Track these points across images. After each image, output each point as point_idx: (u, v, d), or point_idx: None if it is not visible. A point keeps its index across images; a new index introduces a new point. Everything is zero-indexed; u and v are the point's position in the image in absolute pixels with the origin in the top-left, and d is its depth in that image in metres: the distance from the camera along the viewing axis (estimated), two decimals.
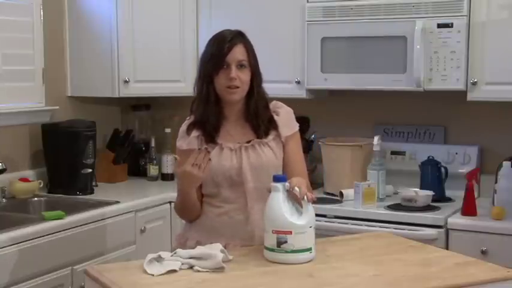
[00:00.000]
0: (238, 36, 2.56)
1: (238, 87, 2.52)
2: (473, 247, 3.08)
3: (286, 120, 2.62)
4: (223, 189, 2.53)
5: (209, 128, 2.55)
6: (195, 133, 2.57)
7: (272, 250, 2.26)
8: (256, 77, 2.58)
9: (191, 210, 2.58)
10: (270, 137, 2.58)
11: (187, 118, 2.63)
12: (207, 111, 2.56)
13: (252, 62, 2.55)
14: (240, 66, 2.52)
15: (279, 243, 2.23)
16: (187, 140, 2.57)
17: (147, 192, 3.95)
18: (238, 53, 2.53)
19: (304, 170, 2.64)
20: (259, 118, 2.57)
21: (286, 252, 2.24)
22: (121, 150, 4.18)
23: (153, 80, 4.03)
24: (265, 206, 2.30)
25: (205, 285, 2.09)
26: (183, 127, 2.61)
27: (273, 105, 2.64)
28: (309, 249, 2.27)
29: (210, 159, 2.43)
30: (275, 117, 2.60)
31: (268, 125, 2.59)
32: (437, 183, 3.61)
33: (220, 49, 2.52)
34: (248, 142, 2.56)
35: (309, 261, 2.26)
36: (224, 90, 2.53)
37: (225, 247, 2.49)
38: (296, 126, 2.66)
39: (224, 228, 2.54)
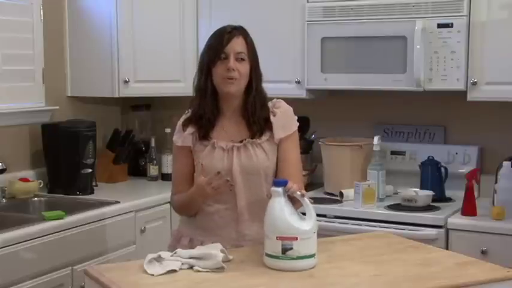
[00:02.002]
0: (239, 30, 2.56)
1: (235, 79, 2.49)
2: (473, 247, 3.08)
3: (283, 121, 2.57)
4: None
5: (204, 123, 2.54)
6: (190, 130, 2.56)
7: (276, 257, 2.18)
8: (255, 72, 2.56)
9: (193, 210, 2.59)
10: (264, 138, 2.54)
11: (186, 112, 2.63)
12: (203, 104, 2.54)
13: (251, 56, 2.54)
14: (240, 59, 2.50)
15: (284, 250, 2.16)
16: (183, 137, 2.58)
17: (147, 192, 3.95)
18: (237, 44, 2.51)
19: (298, 172, 2.59)
20: (255, 116, 2.54)
21: (292, 259, 2.17)
22: (121, 150, 4.17)
23: (153, 80, 4.03)
24: (266, 211, 2.24)
25: (205, 285, 2.08)
26: (180, 121, 2.61)
27: (272, 103, 2.61)
28: (313, 255, 2.21)
29: (231, 188, 2.45)
30: (271, 117, 2.56)
31: (264, 125, 2.55)
32: (437, 183, 3.60)
33: (220, 40, 2.51)
34: (241, 141, 2.54)
35: (312, 267, 2.20)
36: (221, 82, 2.50)
37: None
38: (293, 127, 2.60)
39: (214, 227, 2.54)
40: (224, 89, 2.52)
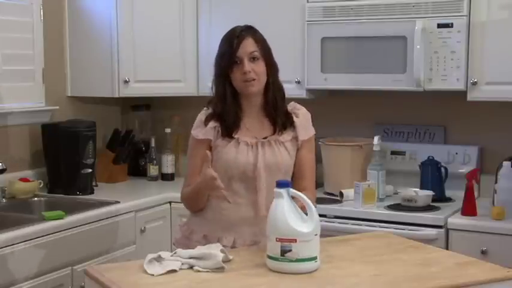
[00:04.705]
0: (247, 30, 2.59)
1: (254, 80, 2.53)
2: (473, 247, 3.08)
3: (305, 123, 2.65)
4: (234, 182, 2.54)
5: (229, 123, 2.56)
6: (212, 124, 2.57)
7: (276, 259, 2.17)
8: (271, 67, 2.59)
9: (200, 204, 2.59)
10: (287, 137, 2.59)
11: (205, 109, 2.63)
12: (225, 109, 2.56)
13: (264, 53, 2.57)
14: (253, 58, 2.53)
15: (283, 251, 2.15)
16: (204, 130, 2.58)
17: (147, 192, 3.95)
18: (247, 46, 2.54)
19: (313, 175, 2.67)
20: (277, 110, 2.59)
21: (291, 261, 2.15)
22: (121, 150, 4.18)
23: (153, 80, 4.03)
24: (269, 212, 2.24)
25: (205, 285, 2.09)
26: (201, 117, 2.61)
27: (292, 106, 2.66)
28: (314, 258, 2.19)
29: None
30: (294, 118, 2.62)
31: (285, 120, 2.60)
32: (437, 183, 3.60)
33: (230, 45, 2.55)
34: (265, 138, 2.57)
35: (314, 270, 2.18)
36: (242, 86, 2.54)
37: (233, 242, 2.49)
38: (313, 131, 2.68)
39: (233, 222, 2.54)
40: (245, 91, 2.56)
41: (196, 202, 2.60)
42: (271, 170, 2.53)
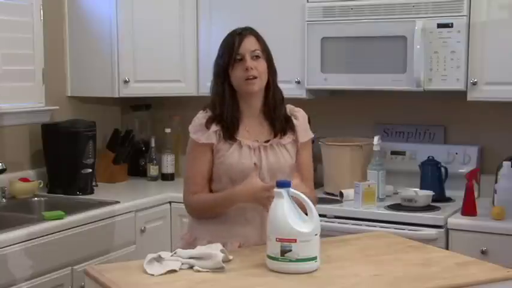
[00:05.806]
0: (249, 30, 2.58)
1: (256, 78, 2.50)
2: (473, 247, 3.08)
3: (305, 125, 2.65)
4: (237, 186, 2.50)
5: (229, 124, 2.53)
6: (214, 127, 2.54)
7: (276, 259, 2.16)
8: (271, 69, 2.58)
9: (219, 212, 2.54)
10: (288, 139, 2.59)
11: (204, 111, 2.58)
12: (223, 107, 2.53)
13: (265, 53, 2.56)
14: (255, 57, 2.52)
15: (283, 251, 2.14)
16: (206, 134, 2.54)
17: (147, 192, 3.95)
18: (250, 43, 2.53)
19: (311, 174, 2.68)
20: (276, 111, 2.57)
21: (291, 261, 2.14)
22: (121, 150, 4.18)
23: (153, 80, 4.03)
24: (269, 212, 2.23)
25: (205, 285, 2.08)
26: (201, 120, 2.56)
27: (290, 108, 2.65)
28: (314, 258, 2.18)
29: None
30: (294, 121, 2.61)
31: (285, 124, 2.59)
32: (437, 183, 3.60)
33: (232, 42, 2.53)
34: (266, 141, 2.56)
35: (314, 270, 2.18)
36: (242, 84, 2.51)
37: (238, 247, 2.49)
38: (311, 133, 2.68)
39: (239, 227, 2.53)
40: (246, 90, 2.53)
41: (218, 211, 2.54)
42: (275, 173, 2.52)
